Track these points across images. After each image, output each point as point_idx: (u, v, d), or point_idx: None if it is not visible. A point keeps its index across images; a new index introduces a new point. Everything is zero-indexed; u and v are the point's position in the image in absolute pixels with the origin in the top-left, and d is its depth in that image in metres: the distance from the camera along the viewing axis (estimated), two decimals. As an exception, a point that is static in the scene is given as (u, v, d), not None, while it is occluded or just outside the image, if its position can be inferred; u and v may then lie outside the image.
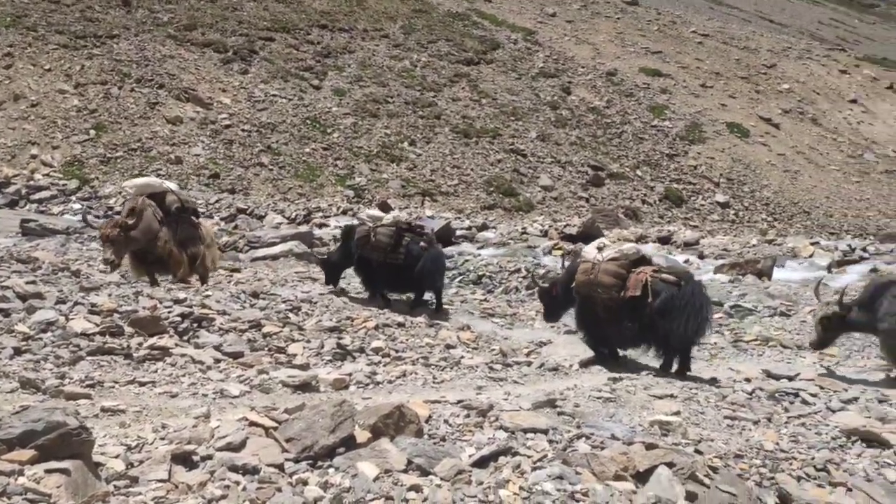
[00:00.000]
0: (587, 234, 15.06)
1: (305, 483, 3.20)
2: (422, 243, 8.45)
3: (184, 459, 3.34)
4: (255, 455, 3.39)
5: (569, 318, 7.58)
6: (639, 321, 6.45)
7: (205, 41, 25.02)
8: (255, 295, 7.54)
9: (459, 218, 18.83)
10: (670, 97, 29.91)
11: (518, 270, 11.71)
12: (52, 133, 19.35)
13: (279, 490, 3.13)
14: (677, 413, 4.81)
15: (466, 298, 10.00)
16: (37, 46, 21.99)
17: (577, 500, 3.25)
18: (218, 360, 5.55)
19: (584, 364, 6.62)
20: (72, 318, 5.74)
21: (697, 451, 3.97)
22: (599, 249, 6.78)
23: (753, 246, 15.65)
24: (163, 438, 3.63)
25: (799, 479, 3.92)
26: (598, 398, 5.12)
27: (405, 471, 3.38)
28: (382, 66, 27.04)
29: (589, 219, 17.80)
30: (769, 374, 6.38)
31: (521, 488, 3.31)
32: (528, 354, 6.92)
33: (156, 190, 8.32)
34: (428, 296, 8.81)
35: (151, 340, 5.63)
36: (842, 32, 52.02)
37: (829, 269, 12.93)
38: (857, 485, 3.84)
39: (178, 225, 8.31)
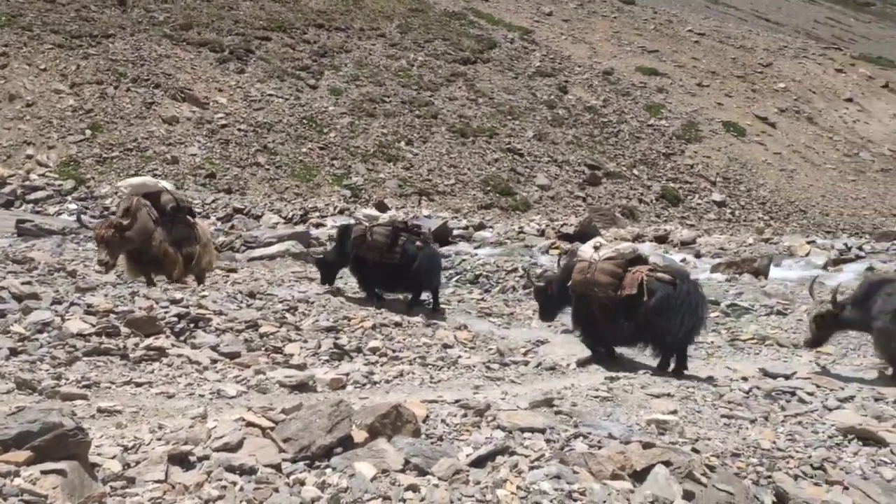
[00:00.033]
0: (584, 234, 15.07)
1: (303, 483, 3.20)
2: (418, 243, 8.44)
3: (180, 460, 3.34)
4: (252, 455, 3.39)
5: (566, 318, 7.59)
6: (635, 320, 6.47)
7: (201, 41, 24.97)
8: (251, 295, 7.53)
9: (456, 217, 18.83)
10: (667, 96, 29.93)
11: (515, 270, 11.72)
12: (47, 133, 19.30)
13: (276, 490, 3.12)
14: (674, 412, 4.82)
15: (463, 298, 10.00)
16: (32, 46, 21.93)
17: (575, 500, 3.26)
18: (215, 361, 5.54)
19: (582, 363, 6.62)
20: (68, 319, 5.73)
21: (694, 450, 3.97)
22: (596, 248, 6.79)
23: (750, 245, 15.68)
24: (159, 439, 3.63)
25: (796, 477, 3.93)
26: (595, 397, 5.13)
27: (402, 471, 3.38)
28: (379, 66, 27.02)
29: (586, 218, 17.80)
30: (766, 373, 6.40)
31: (518, 488, 3.31)
32: (525, 354, 6.92)
33: (151, 189, 8.29)
34: (425, 295, 8.80)
35: (148, 341, 5.62)
36: (837, 31, 52.11)
37: (825, 267, 12.97)
38: (853, 483, 3.85)
39: (173, 225, 8.28)
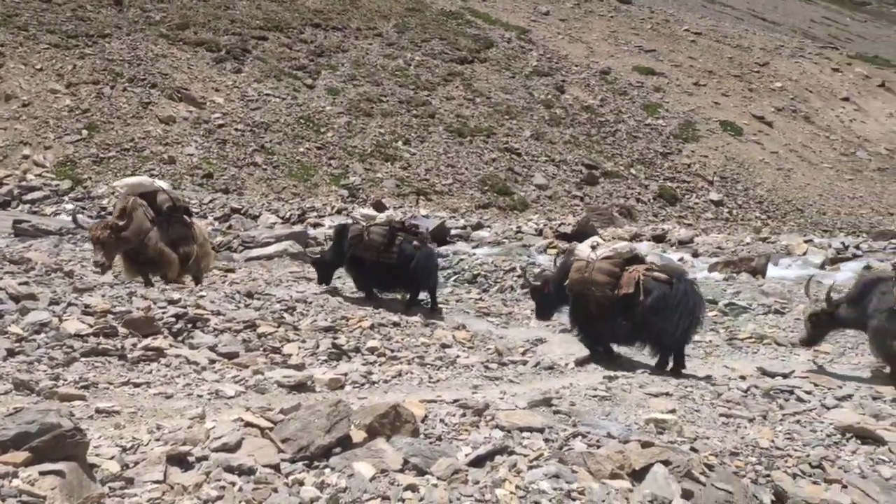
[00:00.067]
0: (582, 233, 15.07)
1: (301, 483, 3.20)
2: (415, 242, 8.43)
3: (179, 460, 3.33)
4: (250, 455, 3.39)
5: (564, 318, 7.59)
6: (632, 319, 6.49)
7: (197, 40, 24.93)
8: (249, 295, 7.52)
9: (454, 217, 18.84)
10: (664, 95, 29.96)
11: (513, 269, 11.73)
12: (44, 133, 19.25)
13: (275, 490, 3.12)
14: (673, 411, 4.83)
15: (462, 298, 9.99)
16: (28, 46, 21.87)
17: (574, 499, 3.26)
18: (213, 361, 5.53)
19: (580, 362, 6.63)
20: (65, 320, 5.72)
21: (693, 449, 3.98)
22: (593, 248, 6.81)
23: (747, 244, 15.71)
24: (158, 439, 3.62)
25: (794, 476, 3.93)
26: (593, 397, 5.13)
27: (401, 470, 3.38)
28: (376, 65, 27.00)
29: (583, 217, 17.84)
30: (764, 372, 6.41)
31: (517, 487, 3.31)
32: (523, 353, 6.92)
33: (147, 189, 8.26)
34: (423, 295, 8.80)
35: (146, 341, 5.61)
36: (834, 31, 52.21)
37: (822, 266, 12.99)
38: (852, 481, 3.86)
39: (169, 224, 8.24)
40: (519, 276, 11.11)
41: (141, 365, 5.30)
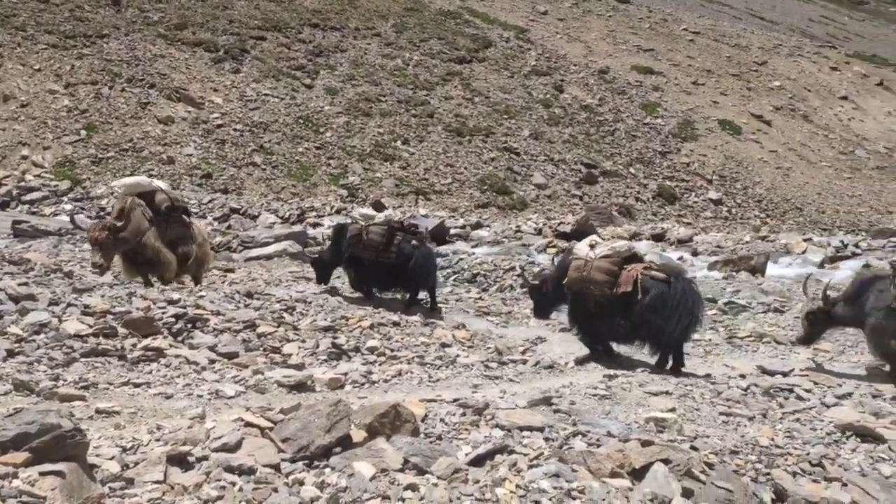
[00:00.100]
0: (581, 232, 15.06)
1: (302, 483, 3.19)
2: (413, 242, 8.44)
3: (179, 460, 3.33)
4: (250, 455, 3.38)
5: (564, 317, 7.59)
6: (630, 318, 6.50)
7: (195, 40, 24.92)
8: (249, 295, 7.52)
9: (453, 217, 18.84)
10: (662, 95, 29.98)
11: (512, 269, 11.73)
12: (42, 134, 19.24)
13: (275, 490, 3.12)
14: (673, 410, 4.83)
15: (461, 297, 10.00)
16: (26, 46, 21.85)
17: (574, 498, 3.25)
18: (213, 361, 5.53)
19: (580, 361, 6.63)
20: (65, 320, 5.71)
21: (693, 448, 3.98)
22: (591, 247, 6.82)
23: (746, 242, 15.72)
24: (158, 440, 3.62)
25: (794, 474, 3.93)
26: (593, 395, 5.13)
27: (401, 470, 3.38)
28: (374, 65, 27.00)
29: (583, 217, 17.84)
30: (764, 371, 6.42)
31: (517, 486, 3.31)
32: (523, 352, 6.92)
33: (145, 189, 8.24)
34: (422, 295, 8.80)
35: (145, 341, 5.60)
36: (832, 29, 52.24)
37: (821, 265, 13.00)
38: (852, 480, 3.86)
39: (168, 224, 8.22)
40: (518, 276, 11.11)
41: (141, 365, 5.29)
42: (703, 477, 3.57)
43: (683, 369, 6.52)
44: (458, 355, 6.50)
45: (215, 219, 16.18)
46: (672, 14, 40.42)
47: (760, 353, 7.52)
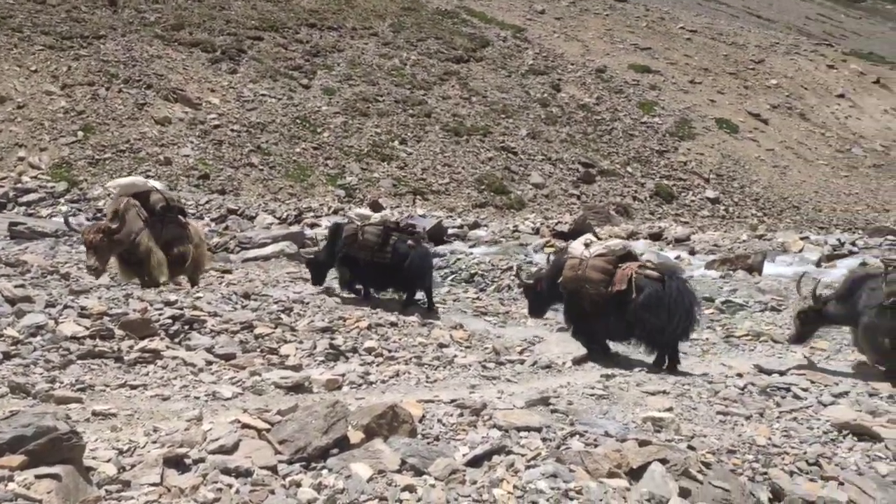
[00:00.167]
0: (579, 232, 15.02)
1: (299, 485, 3.19)
2: (409, 242, 8.43)
3: (176, 463, 3.32)
4: (247, 457, 3.38)
5: (561, 316, 7.59)
6: (625, 317, 6.52)
7: (192, 41, 24.89)
8: (246, 296, 7.51)
9: (451, 216, 18.83)
10: (659, 93, 30.00)
11: (510, 268, 11.72)
12: (39, 135, 19.20)
13: (272, 492, 3.11)
14: (670, 409, 4.84)
15: (459, 297, 9.99)
16: (22, 47, 21.81)
17: (571, 499, 3.25)
18: (210, 362, 5.52)
19: (577, 361, 6.64)
20: (61, 322, 5.70)
21: (690, 447, 3.98)
22: (586, 245, 6.84)
23: (744, 241, 15.74)
24: (154, 442, 3.61)
25: (791, 473, 3.94)
26: (591, 395, 5.14)
27: (399, 471, 3.37)
28: (372, 65, 26.98)
29: (580, 216, 17.84)
30: (761, 369, 6.42)
31: (515, 487, 3.31)
32: (521, 352, 6.92)
33: (140, 189, 8.20)
34: (420, 295, 8.80)
35: (142, 343, 5.60)
36: (829, 27, 52.32)
37: (818, 263, 13.01)
38: (848, 478, 3.86)
39: (163, 225, 8.18)
40: (516, 275, 11.12)
41: (137, 367, 5.29)
42: (700, 477, 3.57)
43: (680, 368, 6.53)
44: (455, 356, 6.51)
45: (212, 220, 16.15)
46: (669, 12, 40.46)
47: (757, 352, 7.53)
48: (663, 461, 3.58)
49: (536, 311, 7.81)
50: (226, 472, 3.24)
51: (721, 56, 34.98)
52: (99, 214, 14.83)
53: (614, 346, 7.13)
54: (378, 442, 3.57)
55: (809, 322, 6.74)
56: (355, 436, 3.64)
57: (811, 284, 7.07)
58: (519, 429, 4.04)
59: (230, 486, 3.14)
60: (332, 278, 9.29)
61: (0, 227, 13.15)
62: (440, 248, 13.67)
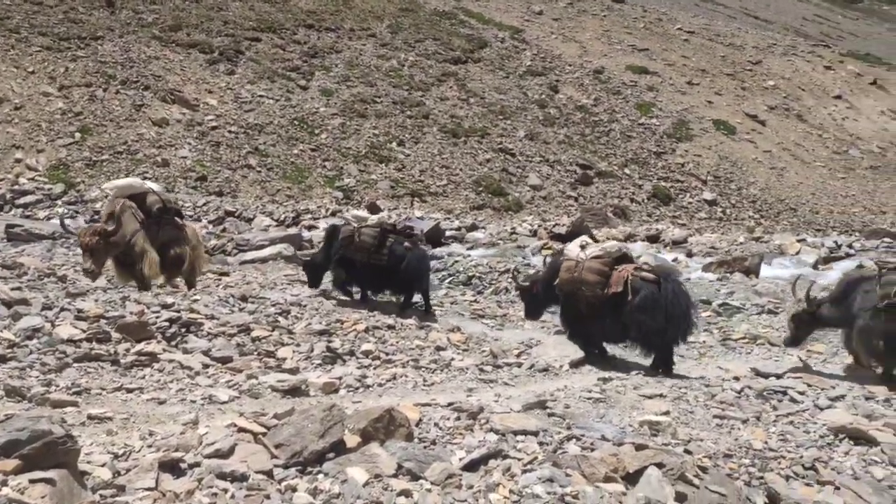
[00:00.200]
0: (576, 233, 14.99)
1: (294, 489, 3.19)
2: (406, 244, 8.43)
3: (171, 467, 3.32)
4: (243, 462, 3.37)
5: (558, 318, 7.59)
6: (621, 319, 6.52)
7: (190, 42, 24.86)
8: (243, 299, 7.50)
9: (449, 218, 18.82)
10: (657, 95, 30.02)
11: (508, 271, 11.71)
12: (36, 136, 19.16)
13: (267, 497, 3.11)
14: (667, 413, 4.83)
15: (456, 300, 9.99)
16: (20, 48, 21.76)
17: (567, 503, 3.25)
18: (206, 366, 5.52)
19: (575, 364, 6.64)
20: (58, 325, 5.69)
21: (687, 452, 3.98)
22: (582, 247, 6.85)
23: (741, 244, 15.74)
24: (150, 446, 3.61)
25: (787, 478, 3.94)
26: (588, 399, 5.14)
27: (395, 475, 3.37)
28: (370, 66, 26.97)
29: (578, 218, 17.83)
30: (757, 373, 6.42)
31: (511, 491, 3.31)
32: (518, 356, 6.92)
33: (136, 191, 8.18)
34: (417, 297, 8.79)
35: (139, 346, 5.59)
36: (826, 28, 52.41)
37: (815, 266, 13.01)
38: (844, 483, 3.86)
39: (160, 227, 8.15)
40: (511, 278, 11.11)
41: (134, 370, 5.28)
42: (696, 481, 3.57)
43: (677, 371, 6.53)
44: (452, 359, 6.51)
45: (210, 222, 16.12)
46: (667, 14, 40.50)
47: (754, 355, 7.53)
48: (660, 465, 3.57)
49: (532, 313, 7.82)
50: (221, 476, 3.24)
51: (718, 57, 35.01)
52: (96, 216, 14.79)
53: (611, 349, 7.13)
54: (374, 446, 3.57)
55: (804, 325, 6.74)
56: (352, 440, 3.64)
57: (806, 287, 7.07)
58: (516, 433, 4.04)
59: (225, 490, 3.14)
60: (328, 280, 9.28)
61: (-3, 229, 13.12)
62: (437, 251, 13.66)
